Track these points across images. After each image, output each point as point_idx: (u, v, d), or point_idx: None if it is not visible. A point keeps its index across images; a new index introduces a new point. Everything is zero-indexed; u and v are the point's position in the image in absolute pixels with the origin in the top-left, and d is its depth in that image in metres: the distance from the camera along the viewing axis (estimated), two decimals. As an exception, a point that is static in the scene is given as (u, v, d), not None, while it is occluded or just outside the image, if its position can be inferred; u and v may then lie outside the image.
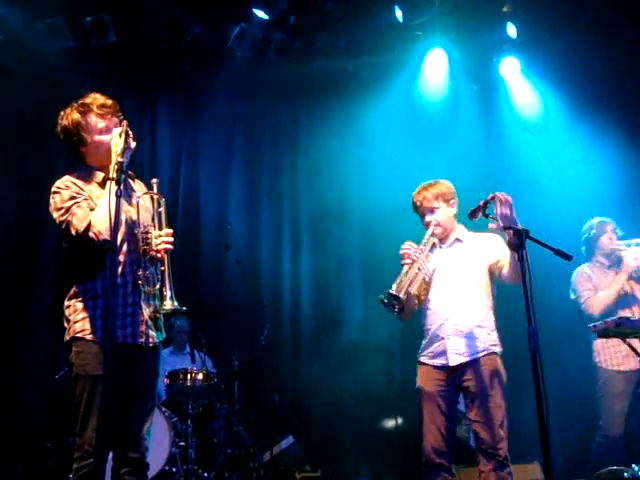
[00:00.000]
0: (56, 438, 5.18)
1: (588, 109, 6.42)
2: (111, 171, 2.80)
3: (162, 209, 3.09)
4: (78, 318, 2.91)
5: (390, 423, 6.07)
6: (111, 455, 2.95)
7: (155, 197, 3.13)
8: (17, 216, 6.16)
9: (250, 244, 7.02)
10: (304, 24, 6.55)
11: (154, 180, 3.15)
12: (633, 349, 4.19)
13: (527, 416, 5.41)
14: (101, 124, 3.03)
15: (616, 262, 5.02)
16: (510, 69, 7.01)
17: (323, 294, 7.04)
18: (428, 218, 3.76)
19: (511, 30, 6.52)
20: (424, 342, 3.74)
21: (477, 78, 7.09)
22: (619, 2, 6.24)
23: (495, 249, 3.69)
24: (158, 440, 4.73)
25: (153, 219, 3.09)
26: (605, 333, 4.01)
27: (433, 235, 3.73)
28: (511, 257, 3.49)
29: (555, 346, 5.33)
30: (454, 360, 3.58)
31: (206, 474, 5.29)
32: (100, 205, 2.88)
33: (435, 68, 6.94)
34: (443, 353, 3.61)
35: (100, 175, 3.05)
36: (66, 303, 2.99)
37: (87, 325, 2.89)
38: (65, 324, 2.97)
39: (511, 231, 3.22)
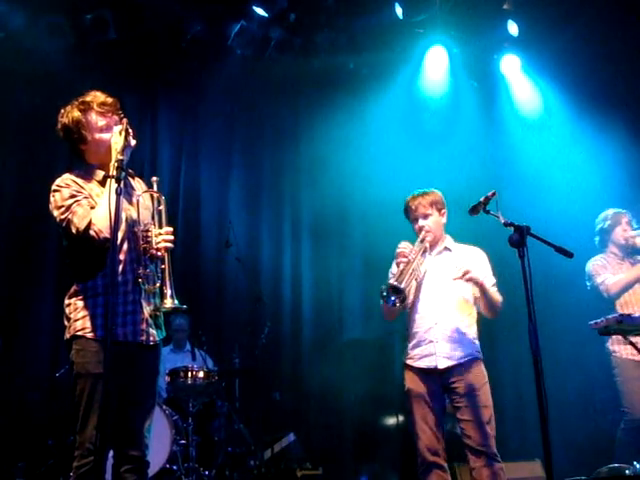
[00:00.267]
0: (57, 436, 5.18)
1: (588, 106, 6.42)
2: (111, 169, 2.79)
3: (162, 207, 3.09)
4: (79, 316, 2.91)
5: (391, 421, 6.07)
6: (111, 453, 2.95)
7: (155, 195, 3.12)
8: (18, 214, 6.16)
9: (251, 242, 7.02)
10: (304, 21, 6.55)
11: (154, 178, 3.15)
12: (635, 346, 4.18)
13: (528, 414, 5.42)
14: (101, 122, 3.02)
15: (631, 252, 4.97)
16: (511, 66, 7.01)
17: (324, 292, 7.03)
18: (422, 223, 3.83)
19: (512, 28, 6.51)
20: (410, 344, 3.80)
21: (478, 75, 7.09)
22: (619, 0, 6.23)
23: (479, 270, 3.75)
24: (159, 438, 4.72)
25: (153, 217, 3.09)
26: (606, 330, 4.00)
27: (424, 241, 3.79)
28: (480, 292, 3.67)
29: (555, 343, 5.32)
30: (442, 363, 3.66)
31: (207, 472, 5.29)
32: (100, 203, 2.88)
33: (436, 65, 6.95)
34: (431, 355, 3.69)
35: (100, 173, 3.04)
36: (66, 301, 2.98)
37: (88, 323, 2.88)
38: (65, 322, 2.97)
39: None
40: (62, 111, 3.06)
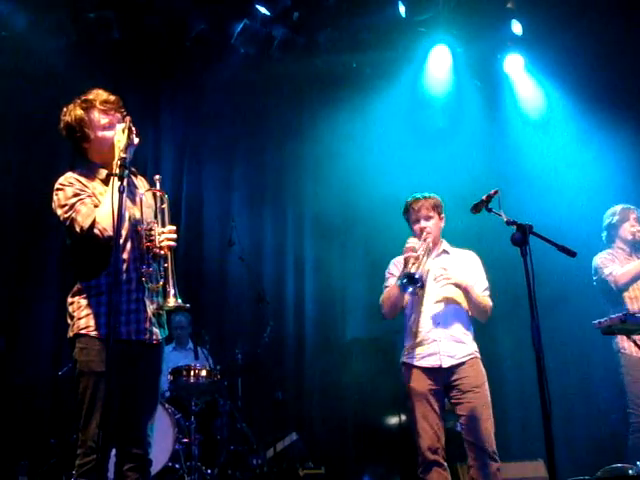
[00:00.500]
0: (59, 434, 5.18)
1: (592, 105, 6.41)
2: (114, 167, 2.79)
3: (165, 206, 3.09)
4: (82, 315, 2.91)
5: (393, 420, 6.06)
6: (114, 451, 2.95)
7: (158, 194, 3.12)
8: (20, 213, 6.16)
9: (254, 241, 7.02)
10: (308, 20, 6.54)
11: (157, 177, 3.15)
12: (638, 346, 4.17)
13: (531, 413, 5.40)
14: (104, 120, 3.02)
15: (638, 248, 4.94)
16: (514, 65, 7.00)
17: (326, 291, 7.03)
18: (424, 224, 3.89)
19: (516, 27, 6.50)
20: (409, 343, 3.84)
21: (481, 75, 7.08)
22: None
23: (472, 275, 3.87)
24: (161, 437, 4.73)
25: (156, 216, 3.09)
26: (610, 330, 3.99)
27: (425, 241, 3.84)
28: (465, 295, 3.76)
29: (558, 342, 5.32)
30: (447, 362, 3.72)
31: (209, 471, 5.29)
32: (104, 202, 2.88)
33: (439, 65, 6.94)
34: (435, 354, 3.74)
35: (103, 172, 3.04)
36: (69, 300, 2.98)
37: (91, 322, 2.89)
38: (69, 320, 2.97)
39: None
40: (64, 109, 3.06)
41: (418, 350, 3.78)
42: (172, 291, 2.96)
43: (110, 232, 2.79)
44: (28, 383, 5.71)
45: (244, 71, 6.80)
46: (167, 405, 5.20)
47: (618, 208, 5.04)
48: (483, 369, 3.78)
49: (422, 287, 3.72)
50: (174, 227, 3.06)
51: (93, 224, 2.83)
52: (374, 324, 6.40)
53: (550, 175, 6.59)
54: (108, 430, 2.62)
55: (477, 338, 3.91)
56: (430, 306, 3.82)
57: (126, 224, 2.93)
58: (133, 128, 2.92)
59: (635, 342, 4.17)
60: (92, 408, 2.81)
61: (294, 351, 6.99)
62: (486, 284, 3.89)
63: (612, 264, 4.85)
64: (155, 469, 4.15)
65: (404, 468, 5.77)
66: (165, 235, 3.00)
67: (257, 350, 5.87)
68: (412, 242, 3.79)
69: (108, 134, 2.99)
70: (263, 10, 6.28)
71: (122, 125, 2.93)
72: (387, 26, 6.57)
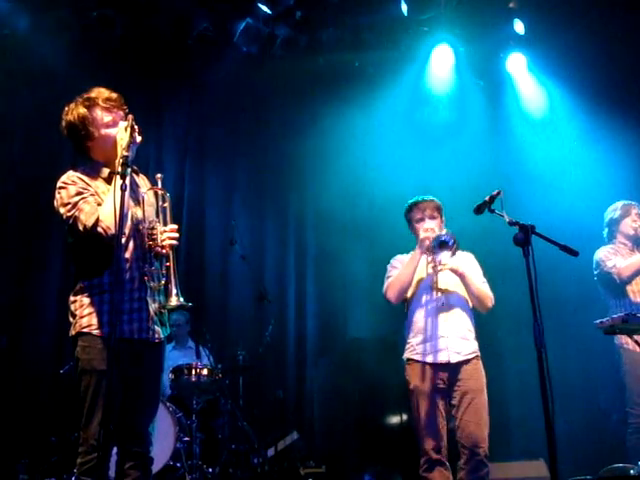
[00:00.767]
0: (61, 433, 5.18)
1: (595, 104, 6.40)
2: (116, 165, 2.78)
3: (167, 204, 3.09)
4: (84, 313, 2.90)
5: (395, 419, 6.05)
6: (115, 450, 2.95)
7: (160, 192, 3.12)
8: (22, 212, 6.16)
9: (255, 239, 7.02)
10: (310, 19, 6.53)
11: (158, 175, 3.15)
12: (640, 346, 4.16)
13: (532, 413, 5.39)
14: (107, 118, 3.01)
15: (639, 244, 4.93)
16: (516, 65, 6.99)
17: (328, 290, 7.03)
18: (429, 224, 3.94)
19: (518, 26, 6.49)
20: (415, 340, 3.87)
21: (483, 74, 7.07)
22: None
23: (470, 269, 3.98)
24: (163, 435, 4.73)
25: (157, 214, 3.09)
26: (612, 330, 3.98)
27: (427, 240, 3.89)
28: (464, 284, 3.86)
29: (560, 342, 5.31)
30: (454, 358, 3.77)
31: (210, 469, 5.29)
32: (107, 200, 2.87)
33: (441, 64, 6.94)
34: (443, 350, 3.77)
35: (106, 170, 3.04)
36: (72, 298, 2.98)
37: (94, 320, 2.88)
38: (71, 319, 2.96)
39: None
40: (66, 108, 3.05)
41: (424, 346, 3.81)
42: (174, 290, 2.96)
43: (114, 230, 2.78)
44: (30, 381, 5.72)
45: (246, 70, 6.80)
46: (168, 404, 5.20)
47: (619, 204, 5.03)
48: (484, 372, 3.82)
49: (454, 251, 3.75)
50: (176, 226, 3.06)
51: (97, 222, 2.83)
52: (376, 323, 6.42)
53: (553, 175, 6.58)
54: (109, 428, 2.61)
55: (479, 337, 3.93)
56: (437, 303, 3.86)
57: (129, 223, 2.93)
58: (136, 126, 2.92)
59: (637, 342, 4.16)
60: (94, 406, 2.81)
61: (295, 350, 7.00)
62: (483, 279, 3.97)
63: (615, 257, 4.84)
64: (156, 467, 4.14)
65: (405, 467, 5.76)
66: (167, 234, 3.00)
67: (258, 349, 5.87)
68: (430, 229, 3.86)
69: (111, 132, 2.99)
70: (265, 9, 6.27)
71: (125, 123, 2.93)
72: (389, 25, 6.58)
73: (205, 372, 5.33)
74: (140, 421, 2.95)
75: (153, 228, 3.02)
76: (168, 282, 2.98)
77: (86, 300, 2.92)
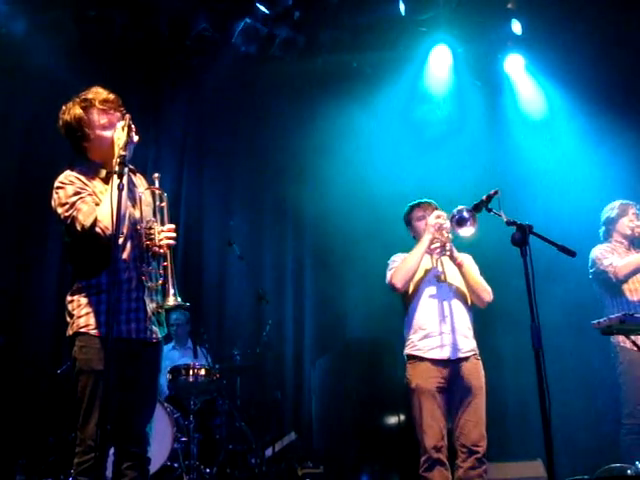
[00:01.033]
0: (58, 433, 5.18)
1: (593, 105, 6.41)
2: (114, 165, 2.78)
3: (164, 204, 3.09)
4: (82, 313, 2.90)
5: (392, 420, 6.05)
6: (112, 450, 2.94)
7: (157, 192, 3.11)
8: (19, 212, 6.16)
9: (253, 240, 7.02)
10: (308, 20, 6.54)
11: (155, 175, 3.14)
12: (637, 346, 4.16)
13: (530, 413, 5.40)
14: (104, 119, 3.00)
15: (636, 243, 4.92)
16: (514, 66, 7.00)
17: (326, 291, 7.03)
18: (438, 212, 3.93)
19: (516, 27, 6.49)
20: (416, 336, 3.88)
21: (481, 75, 7.08)
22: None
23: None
24: (160, 435, 4.73)
25: (155, 214, 3.09)
26: (609, 330, 3.98)
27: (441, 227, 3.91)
28: (461, 273, 3.91)
29: (557, 342, 5.31)
30: (455, 354, 3.79)
31: (208, 470, 5.29)
32: (105, 200, 2.86)
33: (439, 64, 6.94)
34: (444, 347, 3.79)
35: (103, 170, 3.03)
36: (69, 298, 2.97)
37: (91, 320, 2.88)
38: (68, 319, 2.96)
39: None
40: (63, 108, 3.04)
41: (426, 342, 3.83)
42: (172, 290, 2.96)
43: (112, 230, 2.77)
44: (27, 381, 5.71)
45: (244, 70, 6.80)
46: (166, 404, 5.20)
47: (617, 203, 5.02)
48: (483, 372, 3.85)
49: (473, 223, 3.70)
50: (173, 226, 3.05)
51: (95, 223, 2.82)
52: (374, 324, 6.41)
53: (550, 175, 6.59)
54: (107, 428, 2.61)
55: (476, 338, 3.95)
56: (438, 300, 3.89)
57: (126, 223, 2.93)
58: (133, 126, 2.91)
59: (634, 342, 4.17)
60: (91, 406, 2.80)
61: (293, 350, 7.00)
62: (480, 277, 4.00)
63: (612, 256, 4.82)
64: (154, 468, 4.15)
65: (403, 468, 5.76)
66: (164, 234, 3.00)
67: (256, 349, 5.87)
68: (441, 216, 3.88)
69: (107, 133, 2.97)
70: (264, 9, 6.27)
71: (122, 123, 2.92)
72: (388, 26, 6.58)
73: (203, 372, 5.33)
74: (137, 421, 2.95)
75: (151, 228, 3.01)
76: (166, 282, 2.98)
77: (84, 300, 2.92)
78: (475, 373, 3.80)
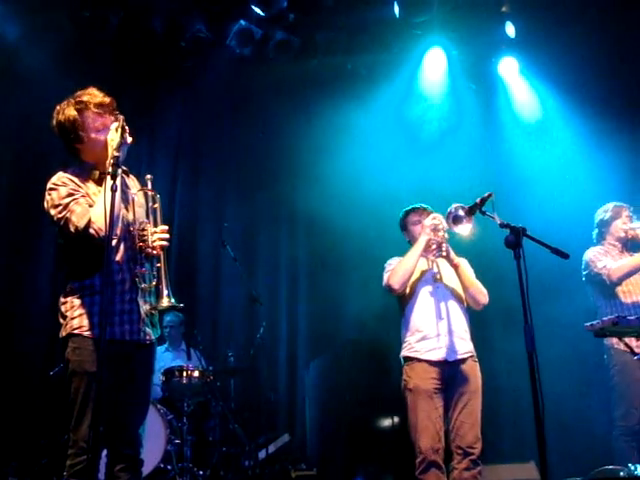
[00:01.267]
0: (50, 435, 5.16)
1: (586, 108, 6.42)
2: (107, 166, 2.77)
3: (157, 205, 3.08)
4: (75, 314, 2.89)
5: (386, 422, 6.05)
6: (105, 452, 2.93)
7: (150, 193, 3.11)
8: (12, 213, 6.14)
9: (247, 241, 7.01)
10: (303, 21, 6.54)
11: (148, 176, 3.13)
12: (630, 348, 4.17)
13: (523, 415, 5.41)
14: (98, 122, 2.98)
15: (630, 246, 4.92)
16: (509, 69, 7.02)
17: (320, 292, 7.02)
18: (434, 214, 3.96)
19: (510, 29, 6.51)
20: (413, 338, 3.89)
21: (476, 77, 7.09)
22: (617, 2, 6.23)
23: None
24: (153, 437, 4.72)
25: (148, 215, 3.08)
26: (602, 332, 3.99)
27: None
28: (457, 274, 3.94)
29: (551, 344, 5.31)
30: (452, 356, 3.80)
31: (201, 472, 5.28)
32: (99, 201, 2.86)
33: (434, 67, 6.95)
34: (440, 348, 3.80)
35: (96, 172, 3.02)
36: (62, 299, 2.97)
37: (85, 321, 2.87)
38: (61, 320, 2.95)
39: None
40: (58, 108, 3.03)
41: (423, 344, 3.83)
42: (165, 291, 2.96)
43: (106, 232, 2.76)
44: (20, 383, 5.68)
45: (239, 72, 6.80)
46: (159, 406, 5.19)
47: (610, 205, 5.02)
48: (480, 374, 3.86)
49: (470, 220, 3.72)
50: (166, 227, 3.05)
51: (88, 224, 2.81)
52: (368, 325, 6.41)
53: (544, 178, 6.60)
54: (99, 430, 2.60)
55: (471, 340, 3.94)
56: (434, 302, 3.90)
57: (120, 224, 2.92)
58: (126, 127, 2.91)
59: (627, 344, 4.18)
60: (84, 408, 2.80)
61: (287, 352, 6.99)
62: (476, 279, 4.02)
63: (605, 258, 4.82)
64: (147, 470, 4.15)
65: (397, 470, 5.76)
66: (158, 235, 3.00)
67: (250, 351, 5.86)
68: (438, 218, 3.90)
69: (101, 136, 2.96)
70: (259, 11, 6.27)
71: (115, 124, 2.91)
72: (383, 28, 6.59)
73: (196, 374, 5.33)
74: (130, 423, 2.95)
75: (144, 229, 3.01)
76: (159, 283, 2.98)
77: (77, 301, 2.91)
78: (472, 375, 3.81)
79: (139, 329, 2.96)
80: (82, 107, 2.98)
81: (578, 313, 5.01)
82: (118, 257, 2.94)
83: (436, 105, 7.09)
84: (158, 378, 5.32)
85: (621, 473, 4.11)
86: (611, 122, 6.32)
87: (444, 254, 3.91)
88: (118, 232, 2.91)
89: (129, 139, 2.92)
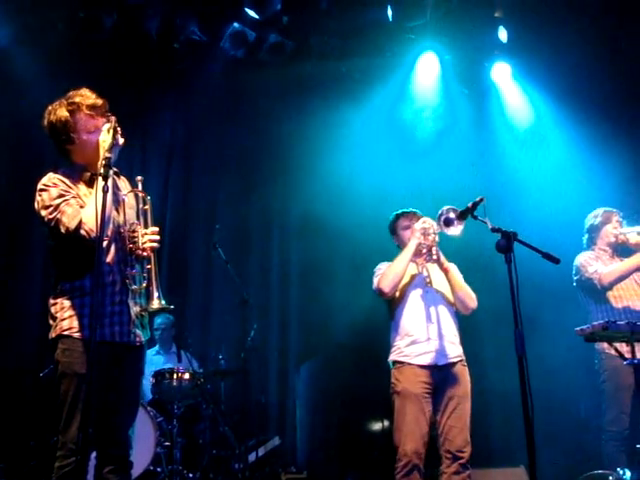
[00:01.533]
0: (39, 437, 5.13)
1: (579, 113, 6.45)
2: (99, 167, 2.76)
3: (147, 207, 3.08)
4: (65, 316, 2.88)
5: (376, 425, 6.05)
6: (94, 454, 2.92)
7: (140, 195, 3.10)
8: (4, 213, 6.11)
9: (239, 244, 7.00)
10: (297, 25, 6.54)
11: (139, 178, 3.13)
12: (620, 353, 4.18)
13: (513, 420, 5.41)
14: (90, 124, 2.97)
15: (620, 251, 4.93)
16: (501, 74, 7.04)
17: (311, 295, 7.02)
18: (424, 224, 3.94)
19: (502, 34, 6.53)
20: (402, 342, 3.89)
21: (468, 82, 7.11)
22: (610, 7, 6.27)
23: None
24: (143, 440, 4.70)
25: (138, 217, 3.07)
26: (592, 337, 4.01)
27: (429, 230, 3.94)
28: (447, 278, 3.95)
29: (541, 349, 5.33)
30: (441, 360, 3.81)
31: (191, 475, 5.26)
32: (90, 202, 2.85)
33: (427, 71, 6.97)
34: (430, 353, 3.81)
35: (87, 174, 3.02)
36: (52, 301, 2.96)
37: (74, 323, 2.87)
38: (51, 321, 2.94)
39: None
40: (49, 108, 3.02)
41: (413, 348, 3.84)
42: (156, 293, 2.96)
43: (97, 233, 2.76)
44: (9, 384, 5.65)
45: (233, 74, 6.79)
46: (149, 408, 5.16)
47: (600, 210, 5.03)
48: (469, 378, 3.87)
49: (461, 221, 3.71)
50: (157, 228, 3.05)
51: (79, 225, 2.81)
52: (359, 329, 6.41)
53: (537, 183, 6.62)
54: (89, 432, 2.59)
55: (461, 345, 3.95)
56: (424, 306, 3.91)
57: (111, 225, 2.92)
58: (118, 128, 2.90)
59: (616, 349, 4.19)
60: (73, 410, 2.79)
61: (278, 355, 6.98)
62: (465, 284, 4.03)
63: (596, 263, 4.82)
64: (136, 472, 4.13)
65: (386, 473, 5.76)
66: (148, 237, 2.99)
67: (241, 354, 5.84)
68: (429, 223, 3.90)
69: (93, 138, 2.95)
70: (252, 14, 6.26)
71: (107, 125, 2.91)
72: (377, 32, 6.59)
73: (187, 376, 5.31)
74: (120, 425, 2.94)
75: (134, 231, 3.01)
76: (149, 285, 2.98)
77: (67, 303, 2.91)
78: (461, 379, 3.83)
79: (129, 331, 2.95)
80: (74, 108, 2.97)
81: (569, 318, 5.02)
82: (109, 258, 2.93)
83: (429, 109, 7.11)
84: (148, 381, 5.30)
85: (610, 478, 4.13)
86: (604, 127, 6.34)
87: (434, 258, 3.92)
88: (109, 233, 2.90)
89: (121, 140, 2.92)
